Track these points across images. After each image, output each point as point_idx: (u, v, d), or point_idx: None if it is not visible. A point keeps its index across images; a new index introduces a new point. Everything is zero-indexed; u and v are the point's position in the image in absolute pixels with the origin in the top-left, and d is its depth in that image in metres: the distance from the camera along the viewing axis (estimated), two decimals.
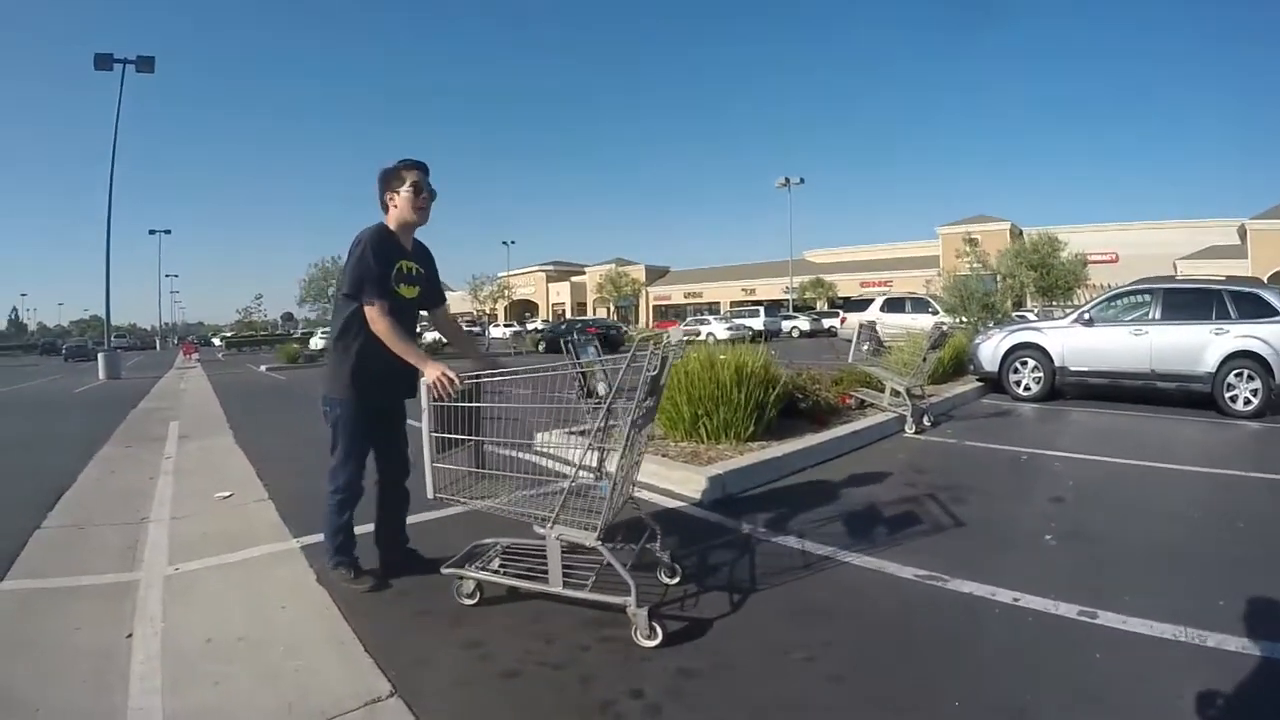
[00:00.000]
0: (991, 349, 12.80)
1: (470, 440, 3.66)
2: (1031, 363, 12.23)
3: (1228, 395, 10.55)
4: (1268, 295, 11.01)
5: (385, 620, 3.70)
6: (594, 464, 3.78)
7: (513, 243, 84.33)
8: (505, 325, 65.65)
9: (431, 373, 3.56)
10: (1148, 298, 11.75)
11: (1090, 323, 11.96)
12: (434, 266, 4.27)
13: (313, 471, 4.94)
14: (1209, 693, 2.94)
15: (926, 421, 9.26)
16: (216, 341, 74.59)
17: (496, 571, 3.81)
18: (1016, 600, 3.85)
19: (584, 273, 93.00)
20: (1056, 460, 7.53)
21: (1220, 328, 10.77)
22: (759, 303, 64.17)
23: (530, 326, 60.21)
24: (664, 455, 6.80)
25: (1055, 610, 3.72)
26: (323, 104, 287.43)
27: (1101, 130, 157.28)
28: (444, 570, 3.80)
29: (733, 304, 71.38)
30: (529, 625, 3.59)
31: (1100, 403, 11.65)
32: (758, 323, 42.56)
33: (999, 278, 24.24)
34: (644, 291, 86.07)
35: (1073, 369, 11.96)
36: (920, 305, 27.19)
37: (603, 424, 3.47)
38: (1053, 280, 31.76)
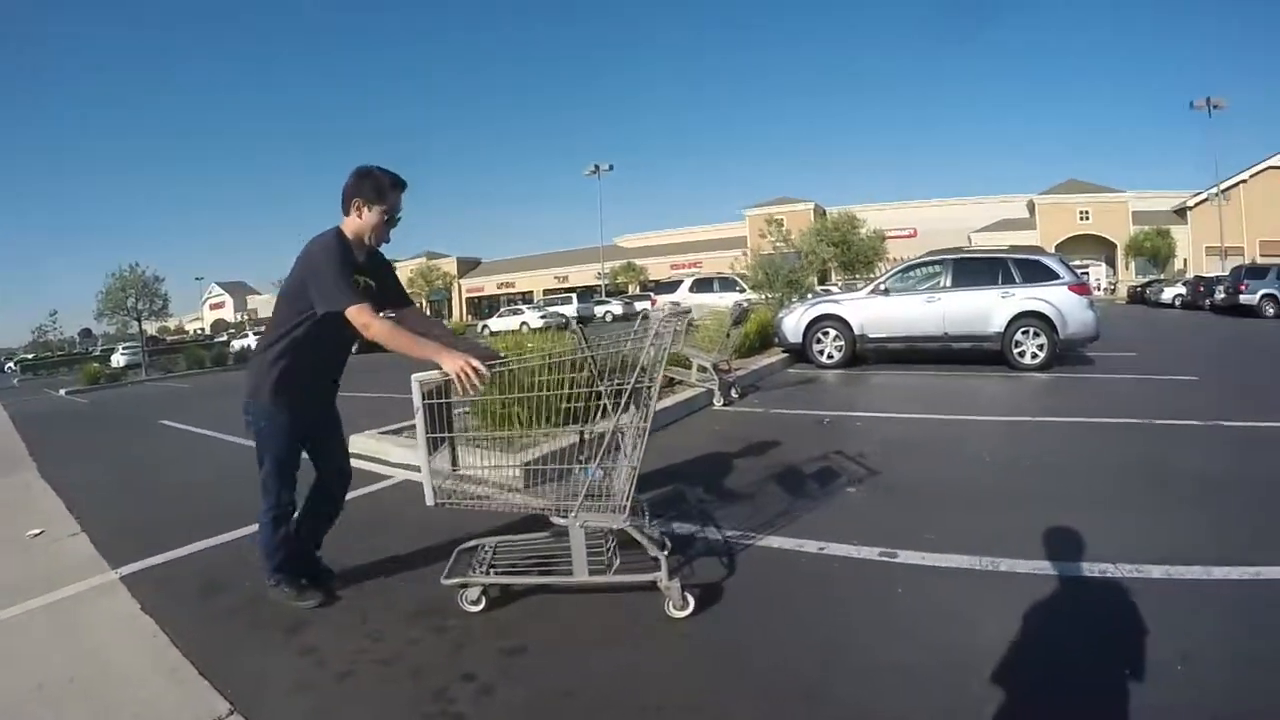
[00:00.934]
0: (795, 321, 13.86)
1: (469, 437, 3.68)
2: (833, 333, 13.38)
3: (1016, 351, 12.08)
4: (1048, 261, 12.78)
5: (218, 640, 3.67)
6: (588, 448, 3.78)
7: None
8: None
9: (454, 364, 3.34)
10: (939, 268, 13.21)
11: (886, 293, 13.29)
12: (389, 270, 4.10)
13: (127, 500, 4.68)
14: (1004, 609, 3.39)
15: (734, 394, 9.92)
16: (10, 365, 67.11)
17: (506, 572, 3.77)
18: (822, 549, 4.26)
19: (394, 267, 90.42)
20: (858, 420, 8.45)
21: (1007, 291, 12.28)
22: (572, 289, 64.89)
23: None
24: (478, 446, 6.88)
25: (858, 554, 4.14)
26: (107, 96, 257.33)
27: (899, 111, 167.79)
28: (444, 581, 3.70)
29: (546, 292, 71.82)
30: (359, 626, 3.68)
31: (899, 366, 13.10)
32: (571, 309, 43.38)
33: (802, 255, 25.65)
34: (456, 284, 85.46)
35: (872, 336, 13.21)
36: (728, 284, 28.56)
37: (628, 406, 3.48)
38: (853, 255, 34.19)
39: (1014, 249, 14.14)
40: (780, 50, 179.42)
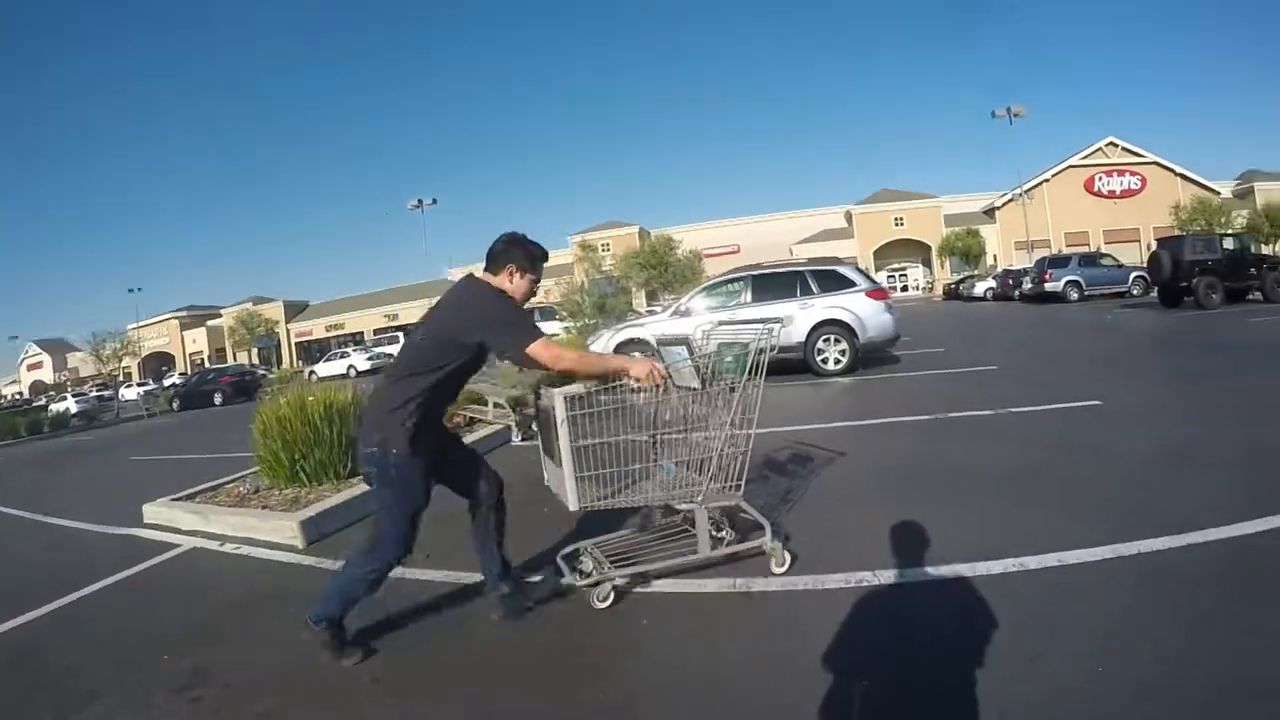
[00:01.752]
0: (602, 346, 13.76)
1: (611, 442, 3.81)
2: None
3: (819, 359, 12.55)
4: (844, 270, 13.33)
5: None
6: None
7: (139, 289, 77.21)
8: (139, 384, 59.84)
9: (642, 369, 3.67)
10: (739, 284, 13.59)
11: (687, 313, 13.43)
12: None
13: None
14: (738, 633, 3.50)
15: (534, 428, 9.73)
16: None
17: (627, 564, 4.08)
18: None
19: (220, 315, 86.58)
20: None
21: (806, 302, 12.72)
22: (399, 327, 64.56)
23: (168, 382, 56.98)
24: (265, 507, 6.84)
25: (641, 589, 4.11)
26: None
27: (721, 131, 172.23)
28: (580, 584, 4.01)
29: (376, 332, 70.37)
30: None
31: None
32: (397, 349, 42.17)
33: (614, 280, 26.02)
34: (285, 329, 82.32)
35: None
36: (548, 314, 28.57)
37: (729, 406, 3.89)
38: (670, 277, 34.91)
39: (811, 261, 14.67)
40: (605, 71, 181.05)
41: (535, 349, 3.60)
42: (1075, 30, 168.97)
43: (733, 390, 3.88)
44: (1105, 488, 5.04)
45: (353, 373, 42.50)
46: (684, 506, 4.14)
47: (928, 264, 69.87)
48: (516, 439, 9.37)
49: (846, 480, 5.97)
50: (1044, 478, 5.46)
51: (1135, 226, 63.80)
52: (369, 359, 41.97)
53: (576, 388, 3.95)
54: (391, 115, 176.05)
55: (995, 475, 5.59)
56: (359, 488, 6.75)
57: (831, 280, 12.98)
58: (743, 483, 3.97)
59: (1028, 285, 35.12)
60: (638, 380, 3.70)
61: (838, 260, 14.12)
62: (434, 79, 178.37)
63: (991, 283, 44.02)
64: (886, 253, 69.61)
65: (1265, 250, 41.93)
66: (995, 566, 3.83)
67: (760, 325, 3.90)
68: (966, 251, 62.89)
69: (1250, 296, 22.99)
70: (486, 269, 3.91)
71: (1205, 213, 49.29)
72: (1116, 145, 69.02)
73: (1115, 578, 3.61)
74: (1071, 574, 3.69)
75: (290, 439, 7.26)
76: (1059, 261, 34.71)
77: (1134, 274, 33.15)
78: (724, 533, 4.29)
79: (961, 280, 50.93)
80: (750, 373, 3.83)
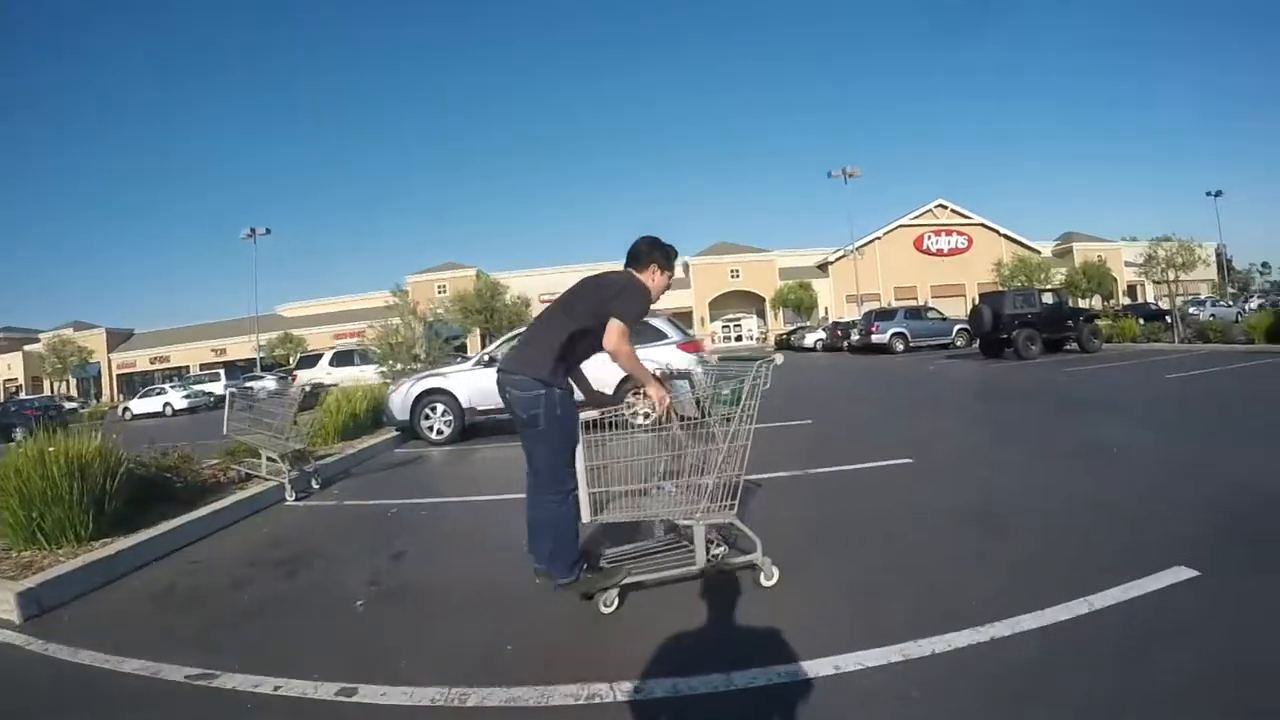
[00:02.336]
0: (401, 397, 13.16)
1: (619, 463, 4.43)
2: (441, 407, 12.82)
3: (629, 412, 11.58)
4: (656, 321, 12.79)
5: None
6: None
7: None
8: None
9: (656, 391, 4.37)
10: None
11: (493, 363, 12.67)
12: None
13: None
14: None
15: (315, 484, 9.04)
16: None
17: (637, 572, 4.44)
18: (278, 689, 3.63)
19: (39, 339, 80.00)
20: (424, 509, 7.81)
21: None
22: (227, 364, 62.44)
23: None
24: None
25: (314, 693, 3.57)
26: None
27: (563, 176, 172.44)
28: (593, 590, 4.26)
29: (203, 366, 67.37)
30: None
31: (508, 437, 12.33)
32: (219, 387, 40.00)
33: (430, 325, 25.21)
34: (107, 358, 76.43)
35: (480, 408, 12.69)
36: (363, 357, 27.40)
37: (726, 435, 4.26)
38: (497, 323, 34.35)
39: None
40: (454, 111, 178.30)
41: (615, 327, 4.20)
42: (911, 98, 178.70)
43: (728, 420, 4.25)
44: (899, 568, 4.68)
45: (169, 410, 40.38)
46: (684, 522, 4.52)
47: (762, 315, 71.65)
48: (290, 498, 8.48)
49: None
50: (832, 557, 5.05)
51: (961, 282, 68.25)
52: (186, 397, 39.59)
53: (591, 414, 4.39)
54: (230, 142, 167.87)
55: (781, 553, 5.10)
56: (101, 550, 6.26)
57: (642, 331, 12.29)
58: (735, 502, 4.36)
59: (855, 337, 36.20)
60: (650, 397, 4.39)
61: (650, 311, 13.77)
62: (276, 107, 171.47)
63: (821, 334, 45.17)
64: (722, 303, 71.07)
65: (1082, 304, 44.81)
66: (748, 678, 3.32)
67: (758, 362, 4.30)
68: (799, 304, 64.74)
69: (1067, 347, 24.68)
70: (629, 265, 4.62)
71: (1026, 269, 52.00)
72: (946, 207, 74.12)
73: (901, 686, 3.17)
74: (849, 683, 3.22)
75: (29, 494, 6.46)
76: (885, 314, 36.04)
77: (957, 327, 34.70)
78: (720, 548, 4.57)
79: (793, 331, 52.31)
80: (744, 405, 4.20)
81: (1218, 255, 63.38)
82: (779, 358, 4.52)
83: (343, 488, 9.36)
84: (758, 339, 70.32)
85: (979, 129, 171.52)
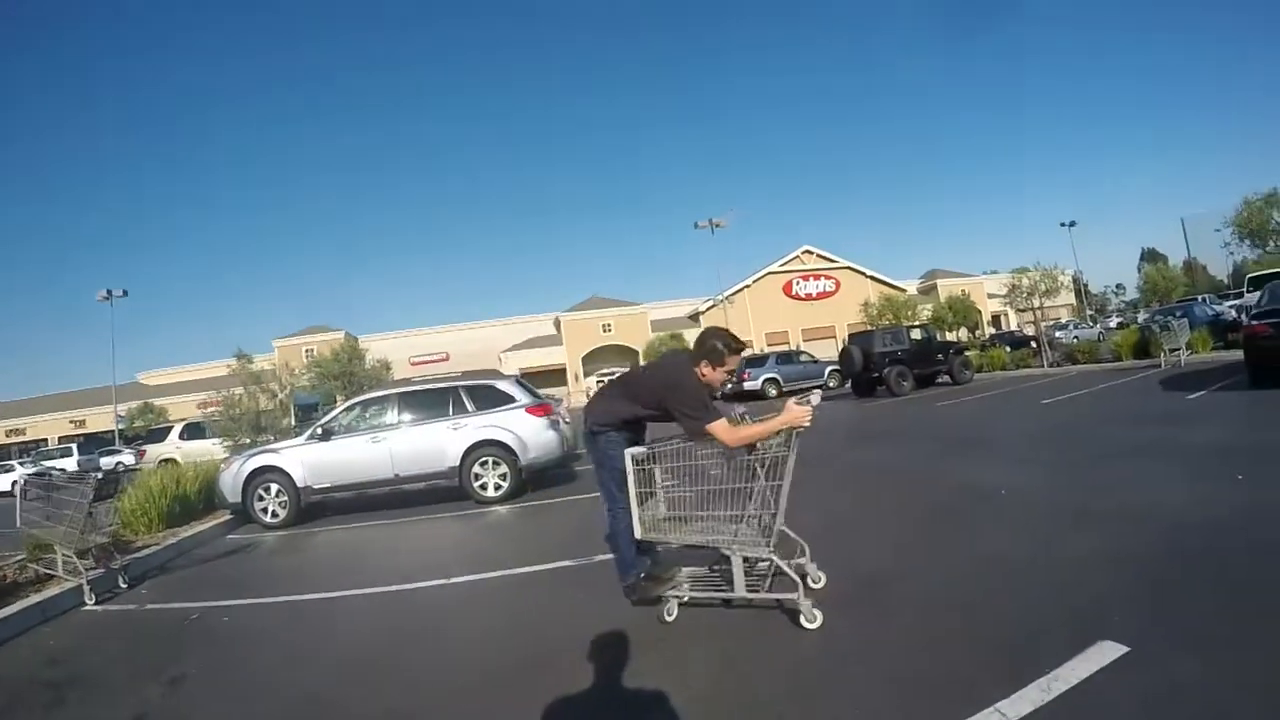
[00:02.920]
0: (232, 477, 11.97)
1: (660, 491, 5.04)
2: (275, 486, 11.69)
3: (477, 484, 11.28)
4: (502, 385, 12.16)
5: None
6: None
7: None
8: None
9: (793, 416, 4.54)
10: (385, 403, 12.16)
11: (327, 436, 11.84)
12: None
13: None
14: None
15: (123, 583, 8.08)
16: None
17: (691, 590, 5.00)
18: None
19: None
20: (231, 613, 6.76)
21: (459, 422, 11.51)
22: (87, 435, 59.32)
23: None
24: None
25: None
26: None
27: (434, 236, 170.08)
28: (646, 596, 5.00)
29: (61, 439, 62.83)
30: None
31: (352, 517, 11.70)
32: (71, 461, 37.12)
33: (279, 394, 24.02)
34: None
35: (316, 487, 11.67)
36: (195, 431, 26.13)
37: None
38: (356, 387, 33.12)
39: (467, 374, 13.57)
40: (325, 169, 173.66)
41: (717, 430, 4.64)
42: (777, 147, 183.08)
43: (765, 461, 4.66)
44: (727, 696, 3.82)
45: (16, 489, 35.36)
46: (724, 550, 4.76)
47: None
48: (90, 601, 7.48)
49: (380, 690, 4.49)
50: (669, 669, 4.17)
51: (831, 324, 69.68)
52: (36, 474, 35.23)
53: (640, 450, 4.98)
54: (83, 205, 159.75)
55: (610, 662, 4.32)
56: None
57: (488, 396, 11.87)
58: (772, 539, 4.56)
59: (728, 385, 35.96)
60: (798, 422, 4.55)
61: (495, 374, 13.27)
62: (140, 158, 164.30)
63: None
64: (595, 358, 70.30)
65: (950, 337, 45.96)
66: None
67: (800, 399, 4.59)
68: None
69: (940, 380, 25.14)
70: (693, 352, 5.05)
71: (893, 308, 53.12)
72: (812, 253, 76.13)
73: None
74: None
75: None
76: (757, 361, 35.96)
77: (829, 368, 34.94)
78: (767, 580, 4.87)
79: None
80: (786, 446, 4.58)
81: (1075, 281, 66.16)
82: (815, 396, 4.69)
83: (153, 586, 8.27)
84: None
85: (841, 176, 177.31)
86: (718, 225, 55.91)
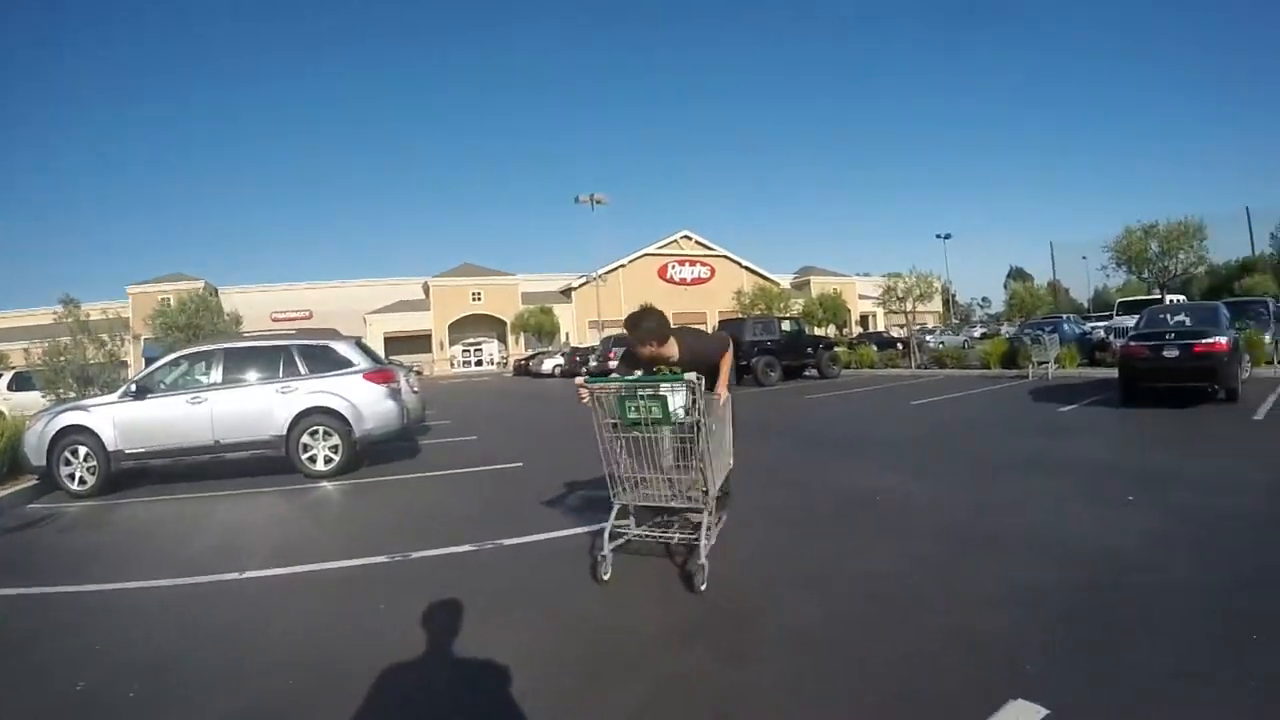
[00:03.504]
0: (37, 436, 10.31)
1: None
2: (84, 450, 10.18)
3: (305, 456, 10.25)
4: (340, 346, 11.03)
5: None
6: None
7: None
8: None
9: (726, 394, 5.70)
10: (208, 360, 10.83)
11: (142, 394, 10.44)
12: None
13: None
14: None
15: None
16: None
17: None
18: None
19: None
20: None
21: (289, 385, 10.39)
22: None
23: None
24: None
25: None
26: None
27: (302, 188, 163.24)
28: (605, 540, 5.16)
29: None
30: None
31: (168, 487, 10.25)
32: None
33: (108, 343, 22.10)
34: None
35: (128, 451, 10.24)
36: (24, 381, 23.96)
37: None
38: (201, 342, 31.29)
39: (302, 333, 12.54)
40: (186, 105, 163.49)
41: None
42: (663, 131, 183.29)
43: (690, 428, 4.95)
44: None
45: None
46: (693, 516, 5.30)
47: (503, 340, 70.50)
48: None
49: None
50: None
51: (703, 311, 69.61)
52: None
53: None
54: None
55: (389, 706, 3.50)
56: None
57: (323, 358, 10.72)
58: (708, 496, 5.05)
59: (593, 363, 35.46)
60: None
61: (333, 334, 12.04)
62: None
63: (560, 360, 44.13)
64: (463, 326, 69.41)
65: (820, 332, 46.45)
66: None
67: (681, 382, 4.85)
68: (540, 328, 64.07)
69: (807, 373, 25.38)
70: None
71: (767, 298, 53.40)
72: (690, 238, 76.65)
73: None
74: None
75: None
76: (623, 340, 35.31)
77: None
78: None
79: (531, 357, 51.02)
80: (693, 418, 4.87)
81: (943, 290, 68.06)
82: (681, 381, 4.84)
83: None
84: (498, 363, 69.23)
85: (726, 165, 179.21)
86: (598, 201, 54.91)
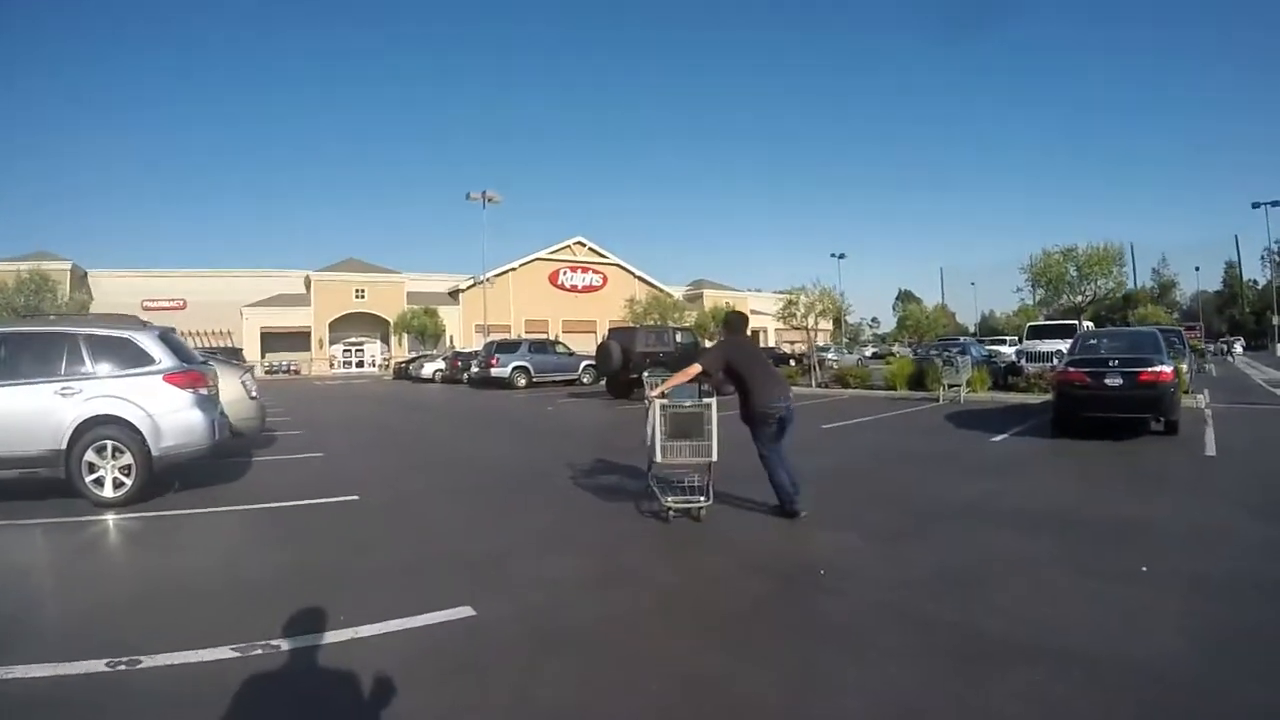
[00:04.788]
0: None
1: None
2: None
3: (91, 479, 7.96)
4: (141, 338, 8.61)
5: None
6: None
7: None
8: None
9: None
10: None
11: None
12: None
13: None
14: None
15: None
16: None
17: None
18: None
19: None
20: None
21: (70, 386, 8.04)
22: None
23: None
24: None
25: None
26: None
27: (176, 167, 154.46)
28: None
29: None
30: None
31: None
32: None
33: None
34: None
35: None
36: None
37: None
38: None
39: (96, 319, 9.91)
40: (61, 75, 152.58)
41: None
42: (557, 137, 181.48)
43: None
44: None
45: None
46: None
47: (386, 340, 67.38)
48: None
49: None
50: None
51: (593, 319, 68.70)
52: None
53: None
54: None
55: None
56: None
57: (120, 354, 8.35)
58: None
59: (475, 369, 33.45)
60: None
61: (135, 322, 9.33)
62: None
63: (441, 364, 41.76)
64: (344, 324, 66.00)
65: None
66: None
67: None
68: (423, 330, 61.47)
69: (703, 388, 23.07)
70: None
71: (660, 308, 51.86)
72: (584, 245, 75.08)
73: None
74: None
75: None
76: (508, 346, 33.21)
77: (585, 363, 33.04)
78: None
79: (412, 360, 48.35)
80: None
81: (837, 309, 68.43)
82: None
83: None
84: (380, 365, 66.10)
85: (623, 175, 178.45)
86: (491, 200, 52.49)
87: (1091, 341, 13.89)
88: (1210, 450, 10.65)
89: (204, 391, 8.76)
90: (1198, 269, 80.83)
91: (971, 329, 75.66)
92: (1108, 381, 11.72)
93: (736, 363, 7.40)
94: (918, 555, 5.78)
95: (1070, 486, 8.54)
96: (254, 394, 11.69)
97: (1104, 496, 7.98)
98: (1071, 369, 12.33)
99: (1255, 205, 57.51)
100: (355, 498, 8.28)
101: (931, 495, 8.08)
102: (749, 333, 7.82)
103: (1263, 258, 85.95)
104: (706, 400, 7.09)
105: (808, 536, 6.48)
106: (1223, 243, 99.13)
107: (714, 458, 6.92)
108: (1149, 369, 11.64)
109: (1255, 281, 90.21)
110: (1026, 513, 7.09)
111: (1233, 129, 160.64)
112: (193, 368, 8.84)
